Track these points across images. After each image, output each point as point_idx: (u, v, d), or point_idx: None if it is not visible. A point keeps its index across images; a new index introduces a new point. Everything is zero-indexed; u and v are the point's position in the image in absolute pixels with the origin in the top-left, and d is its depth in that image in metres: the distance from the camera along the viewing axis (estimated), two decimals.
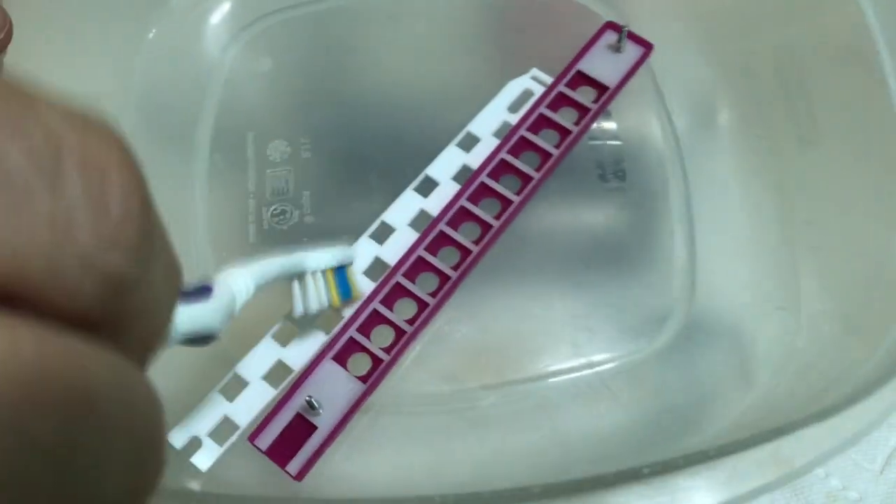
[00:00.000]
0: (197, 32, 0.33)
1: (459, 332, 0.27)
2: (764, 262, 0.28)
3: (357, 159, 0.31)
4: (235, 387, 0.26)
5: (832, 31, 0.28)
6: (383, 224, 0.28)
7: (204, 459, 0.24)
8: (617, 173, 0.30)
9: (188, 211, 0.30)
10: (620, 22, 0.31)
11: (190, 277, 0.28)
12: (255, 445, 0.25)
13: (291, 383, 0.26)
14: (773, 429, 0.20)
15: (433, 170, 0.29)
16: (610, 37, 0.31)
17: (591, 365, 0.27)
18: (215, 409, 0.25)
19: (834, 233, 0.27)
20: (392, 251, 0.28)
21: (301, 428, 0.25)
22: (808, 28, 0.29)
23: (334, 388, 0.26)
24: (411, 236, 0.28)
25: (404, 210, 0.29)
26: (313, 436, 0.25)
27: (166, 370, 0.27)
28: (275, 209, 0.30)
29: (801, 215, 0.27)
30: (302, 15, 0.34)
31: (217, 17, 0.33)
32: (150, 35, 0.32)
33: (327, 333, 0.26)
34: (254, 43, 0.33)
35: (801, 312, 0.26)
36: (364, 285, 0.27)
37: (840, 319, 0.25)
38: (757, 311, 0.27)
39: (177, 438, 0.25)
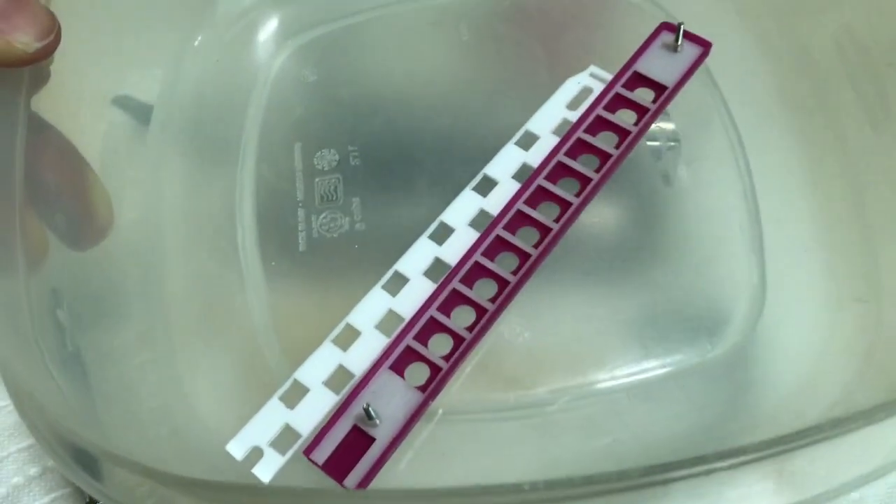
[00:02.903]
0: (243, 42, 0.33)
1: (521, 336, 0.26)
2: (839, 254, 0.27)
3: (406, 165, 0.30)
4: (296, 394, 0.25)
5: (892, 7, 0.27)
6: (442, 224, 0.28)
7: (266, 470, 0.24)
8: (678, 173, 0.29)
9: (236, 221, 0.29)
10: (672, 19, 0.30)
11: (241, 290, 0.28)
12: (310, 460, 0.24)
13: (350, 391, 0.25)
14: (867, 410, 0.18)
15: (492, 169, 0.29)
16: (666, 37, 0.30)
17: (662, 366, 0.25)
18: (275, 418, 0.24)
19: None
20: (452, 251, 0.27)
21: (358, 440, 0.24)
22: (867, 5, 0.28)
23: (392, 398, 0.25)
24: (472, 236, 0.27)
25: (463, 210, 0.28)
26: (371, 448, 0.24)
27: (223, 378, 0.26)
28: (324, 217, 0.29)
29: (875, 202, 0.26)
30: (346, 25, 0.34)
31: (263, 27, 0.33)
32: (196, 43, 0.32)
33: (388, 336, 0.25)
34: (299, 53, 0.33)
35: (882, 303, 0.25)
36: (424, 288, 0.26)
37: None
38: (834, 304, 0.26)
39: (237, 449, 0.24)
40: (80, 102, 0.28)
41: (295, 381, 0.25)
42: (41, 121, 0.25)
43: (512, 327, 0.26)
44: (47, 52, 0.23)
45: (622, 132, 0.29)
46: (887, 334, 0.25)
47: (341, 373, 0.25)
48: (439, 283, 0.26)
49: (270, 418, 0.25)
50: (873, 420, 0.17)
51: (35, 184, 0.24)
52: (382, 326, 0.26)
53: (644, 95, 0.30)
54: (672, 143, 0.30)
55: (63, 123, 0.27)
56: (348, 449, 0.24)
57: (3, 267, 0.22)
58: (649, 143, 0.29)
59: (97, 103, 0.28)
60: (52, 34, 0.23)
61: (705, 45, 0.30)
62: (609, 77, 0.30)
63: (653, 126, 0.29)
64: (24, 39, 0.23)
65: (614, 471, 0.16)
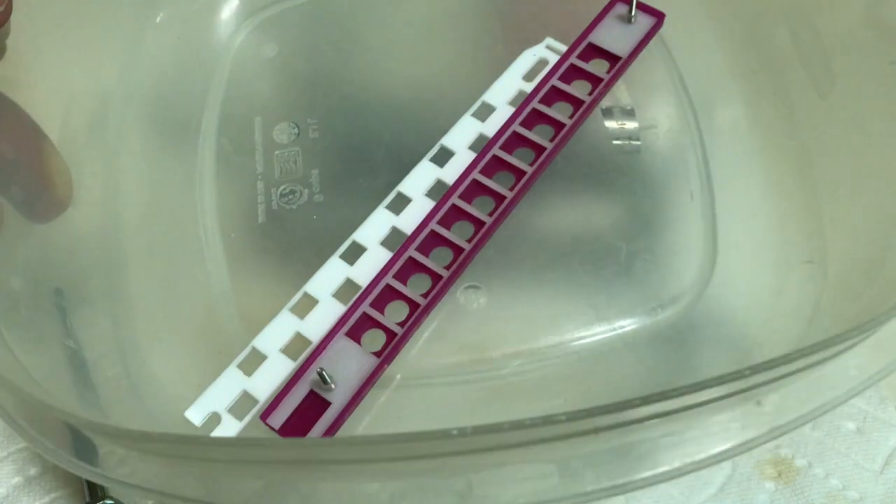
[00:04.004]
0: (204, 19, 0.33)
1: (477, 303, 0.27)
2: (787, 218, 0.27)
3: (365, 138, 0.30)
4: (254, 361, 0.25)
5: None
6: (399, 195, 0.28)
7: (224, 435, 0.24)
8: (632, 141, 0.29)
9: (197, 195, 0.29)
10: None
11: (200, 262, 0.28)
12: (267, 424, 0.24)
13: (307, 357, 0.25)
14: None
15: (449, 140, 0.29)
16: (621, 8, 0.31)
17: (612, 328, 0.26)
18: (234, 384, 0.25)
19: (856, 181, 0.26)
20: (409, 221, 0.27)
21: (314, 405, 0.24)
22: None
23: (348, 364, 0.25)
24: (428, 205, 0.28)
25: (420, 180, 0.28)
26: (326, 412, 0.24)
27: (183, 348, 0.27)
28: (284, 189, 0.29)
29: (822, 167, 0.27)
30: (306, 1, 0.34)
31: (224, 3, 0.33)
32: (157, 20, 0.32)
33: (346, 305, 0.26)
34: (260, 29, 0.33)
35: (828, 264, 0.25)
36: (381, 257, 0.27)
37: (866, 268, 0.24)
38: (783, 264, 0.26)
39: (195, 415, 0.24)
40: (37, 77, 0.28)
41: (253, 348, 0.26)
42: None
43: (468, 294, 0.27)
44: None
45: (577, 102, 0.29)
46: (832, 293, 0.25)
47: (299, 340, 0.26)
48: (395, 251, 0.27)
49: (228, 385, 0.25)
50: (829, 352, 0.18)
51: None
52: (340, 295, 0.26)
53: (599, 66, 0.30)
54: (627, 111, 0.30)
55: (21, 98, 0.27)
56: (304, 413, 0.24)
57: None
58: (603, 111, 0.30)
59: (56, 79, 0.29)
60: (3, 5, 0.23)
61: (659, 16, 0.30)
62: (564, 49, 0.30)
63: (607, 96, 0.30)
64: None
65: (546, 415, 0.16)
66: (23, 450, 0.26)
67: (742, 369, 0.16)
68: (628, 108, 0.30)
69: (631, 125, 0.30)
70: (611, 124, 0.30)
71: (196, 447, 0.18)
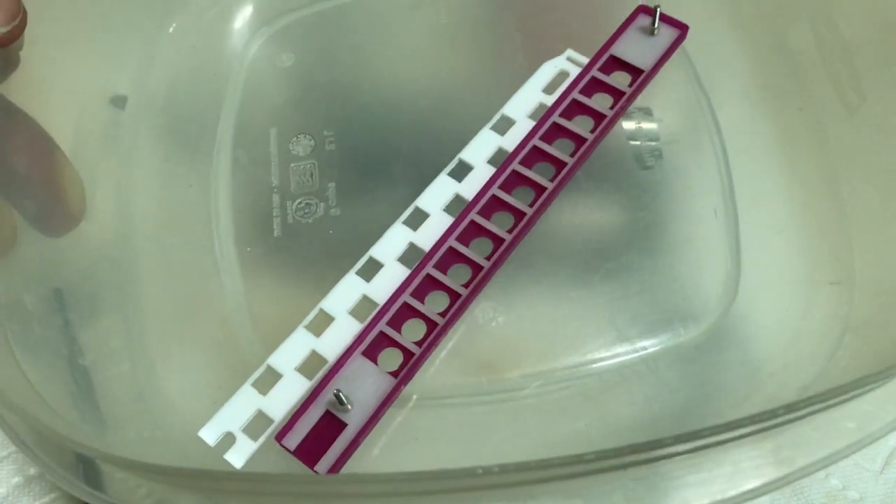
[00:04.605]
0: (218, 28, 0.32)
1: (495, 321, 0.26)
2: (813, 237, 0.27)
3: (382, 150, 0.30)
4: (269, 380, 0.25)
5: None
6: (417, 210, 0.27)
7: (238, 456, 0.24)
8: (654, 156, 0.29)
9: (212, 208, 0.29)
10: (648, 1, 0.30)
11: (215, 276, 0.28)
12: (282, 445, 0.24)
13: (323, 377, 0.25)
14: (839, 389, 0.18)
15: (467, 153, 0.28)
16: (643, 20, 0.30)
17: (635, 349, 0.25)
18: (248, 404, 0.24)
19: (886, 200, 0.25)
20: (426, 237, 0.27)
21: (330, 426, 0.24)
22: None
23: (364, 384, 0.25)
24: (446, 221, 0.27)
25: (438, 195, 0.28)
26: (343, 434, 0.24)
27: (196, 364, 0.26)
28: (299, 203, 0.29)
29: (851, 185, 0.26)
30: (322, 10, 0.33)
31: (238, 13, 0.33)
32: (171, 30, 0.32)
33: (362, 322, 0.25)
34: (275, 38, 0.33)
35: (855, 286, 0.25)
36: (398, 274, 0.26)
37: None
38: (808, 286, 0.26)
39: (209, 434, 0.24)
40: (51, 89, 0.27)
41: (268, 366, 0.25)
42: (10, 105, 0.25)
43: (486, 312, 0.26)
44: (13, 37, 0.23)
45: (598, 116, 0.29)
46: (859, 317, 0.25)
47: (314, 358, 0.25)
48: (413, 268, 0.26)
49: (243, 404, 0.25)
50: (853, 393, 0.17)
51: (3, 166, 0.24)
52: (356, 312, 0.26)
53: (620, 79, 0.29)
54: (649, 126, 0.29)
55: (33, 109, 0.26)
56: (320, 434, 0.24)
57: None
58: (626, 125, 0.29)
59: (69, 90, 0.28)
60: (18, 18, 0.23)
61: (682, 28, 0.30)
62: (585, 61, 0.30)
63: (629, 109, 0.29)
64: None
65: (575, 454, 0.15)
66: None
67: (776, 408, 0.16)
68: (650, 121, 0.29)
69: (648, 126, 0.29)
70: (628, 125, 0.29)
71: (215, 482, 0.18)
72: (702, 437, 0.15)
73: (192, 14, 0.32)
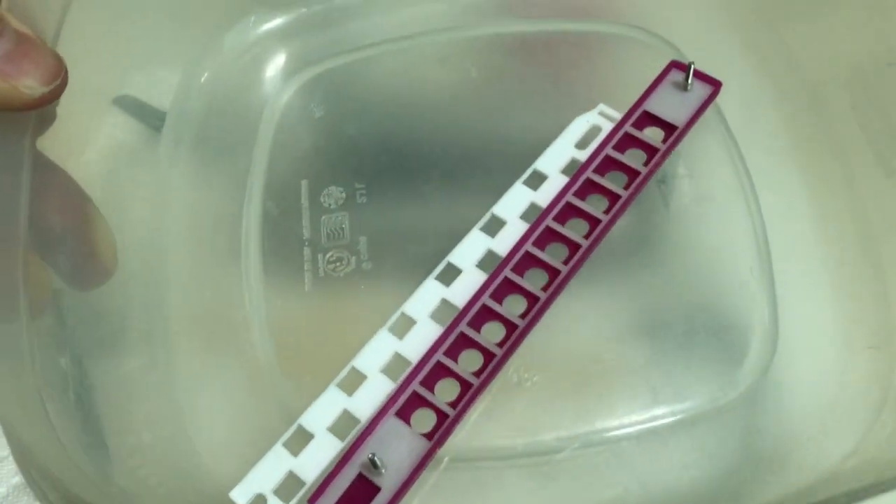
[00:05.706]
0: (250, 77, 0.33)
1: (530, 381, 0.26)
2: (850, 298, 0.26)
3: (414, 203, 0.30)
4: (300, 440, 0.24)
5: None
6: (449, 265, 0.27)
7: None
8: (687, 212, 0.29)
9: (242, 261, 0.29)
10: (681, 56, 0.30)
11: (243, 327, 0.27)
12: None
13: (355, 438, 0.24)
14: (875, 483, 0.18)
15: (500, 209, 0.28)
16: (676, 75, 0.30)
17: (672, 413, 0.25)
18: (280, 464, 0.24)
19: None
20: (459, 293, 0.27)
21: (363, 490, 0.24)
22: (875, 47, 0.28)
23: (397, 446, 0.24)
24: (479, 277, 0.27)
25: (471, 250, 0.28)
26: (376, 498, 0.23)
27: (225, 421, 0.26)
28: (331, 256, 0.29)
29: (890, 248, 0.26)
30: (354, 60, 0.33)
31: (270, 62, 0.33)
32: (202, 80, 0.32)
33: (395, 381, 0.25)
34: (306, 89, 0.33)
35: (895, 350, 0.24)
36: (431, 331, 0.26)
37: None
38: (846, 348, 0.25)
39: (240, 496, 0.23)
40: (85, 143, 0.27)
41: (299, 426, 0.25)
42: (46, 161, 0.25)
43: (520, 371, 0.26)
44: (53, 97, 0.23)
45: (632, 172, 0.28)
46: None
47: (346, 418, 0.25)
48: (446, 326, 0.26)
49: (274, 465, 0.24)
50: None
51: (39, 226, 0.24)
52: (388, 370, 0.26)
53: (654, 135, 0.29)
54: (682, 182, 0.29)
55: (68, 163, 0.26)
56: (353, 498, 0.23)
57: (6, 313, 0.22)
58: (659, 181, 0.29)
59: (104, 145, 0.28)
60: (59, 78, 0.23)
61: (715, 85, 0.30)
62: (618, 116, 0.30)
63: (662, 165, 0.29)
64: (30, 84, 0.23)
65: None
66: None
67: (837, 495, 0.15)
68: (683, 177, 0.29)
69: (685, 196, 0.29)
70: (664, 194, 0.29)
71: None
72: None
73: (224, 64, 0.32)
